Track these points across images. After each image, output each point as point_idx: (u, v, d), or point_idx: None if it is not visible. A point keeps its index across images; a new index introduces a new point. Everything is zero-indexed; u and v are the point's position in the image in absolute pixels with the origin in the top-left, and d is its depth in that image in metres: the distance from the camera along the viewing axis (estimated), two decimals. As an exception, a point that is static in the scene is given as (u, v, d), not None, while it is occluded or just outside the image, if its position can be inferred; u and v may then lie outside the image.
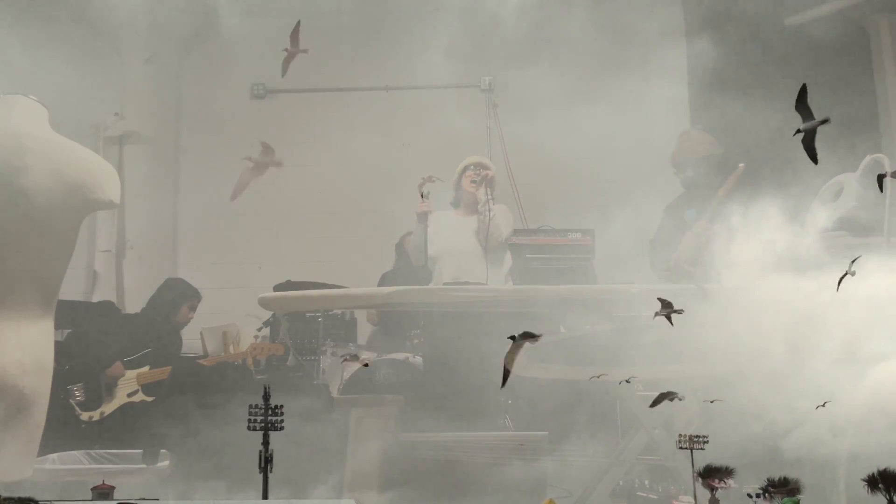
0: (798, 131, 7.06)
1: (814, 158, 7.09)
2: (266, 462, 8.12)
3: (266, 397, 8.41)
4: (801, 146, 8.34)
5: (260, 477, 8.08)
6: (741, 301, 9.45)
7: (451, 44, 12.74)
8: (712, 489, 8.15)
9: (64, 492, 9.88)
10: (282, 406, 8.41)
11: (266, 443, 8.20)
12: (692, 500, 9.76)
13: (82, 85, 12.51)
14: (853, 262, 7.83)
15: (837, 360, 8.98)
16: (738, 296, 9.50)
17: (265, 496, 8.11)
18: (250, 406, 8.40)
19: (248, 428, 8.32)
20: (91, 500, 8.62)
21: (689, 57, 12.83)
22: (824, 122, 7.08)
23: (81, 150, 10.13)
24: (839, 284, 7.91)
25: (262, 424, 8.28)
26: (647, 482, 10.50)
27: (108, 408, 11.26)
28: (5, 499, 6.23)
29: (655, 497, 10.24)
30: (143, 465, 10.75)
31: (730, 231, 9.69)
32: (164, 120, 14.44)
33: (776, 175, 10.55)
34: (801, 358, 9.01)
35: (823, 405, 8.50)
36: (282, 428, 8.33)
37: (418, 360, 11.57)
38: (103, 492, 8.79)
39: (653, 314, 8.40)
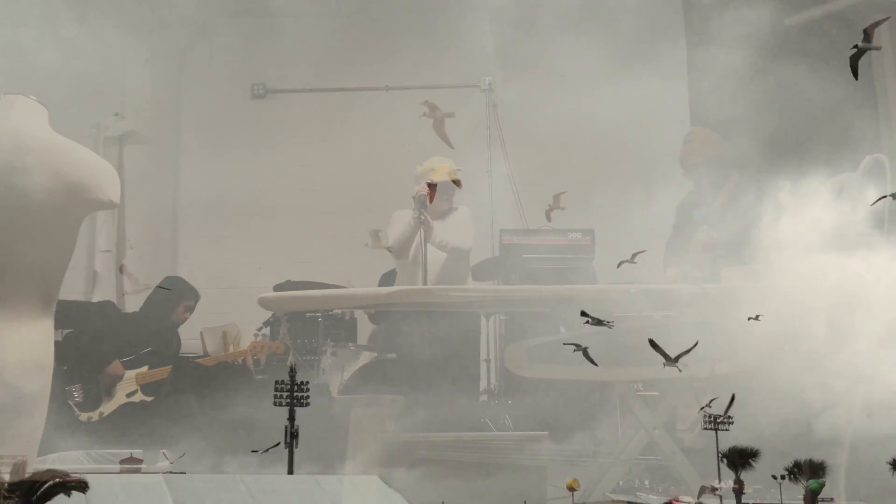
0: (855, 46, 7.48)
1: (855, 75, 7.48)
2: (292, 437, 8.19)
3: (292, 374, 8.48)
4: (853, 123, 8.42)
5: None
6: (784, 282, 9.41)
7: (452, 44, 12.74)
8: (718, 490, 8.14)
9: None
10: (307, 382, 8.51)
11: (291, 418, 8.27)
12: (692, 500, 9.76)
13: (82, 85, 12.50)
14: None
15: (878, 340, 8.98)
16: (783, 276, 9.45)
17: (291, 471, 8.16)
18: (277, 382, 8.49)
19: (275, 404, 8.40)
20: (119, 473, 8.67)
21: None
22: (877, 48, 7.62)
23: (81, 150, 10.12)
24: None
25: (288, 400, 8.36)
26: (647, 482, 10.50)
27: (108, 408, 11.26)
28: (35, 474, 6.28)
29: (655, 497, 10.23)
30: (143, 465, 10.73)
31: (778, 208, 9.58)
32: (164, 120, 14.45)
33: (827, 151, 10.42)
34: (841, 338, 8.98)
35: (756, 318, 8.51)
36: (307, 404, 8.39)
37: (417, 360, 11.55)
38: (131, 466, 8.85)
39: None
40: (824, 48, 12.03)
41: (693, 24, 12.84)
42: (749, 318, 8.50)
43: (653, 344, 8.08)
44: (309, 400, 8.37)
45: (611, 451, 10.64)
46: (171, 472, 8.50)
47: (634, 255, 8.61)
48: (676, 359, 8.10)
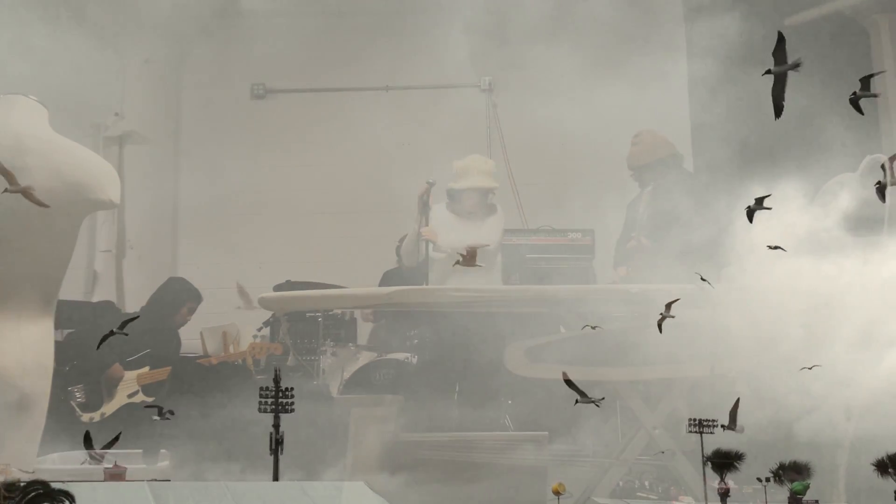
0: (768, 72, 7.04)
1: (779, 110, 7.10)
2: (277, 444, 8.14)
3: (276, 380, 8.43)
4: (825, 127, 8.39)
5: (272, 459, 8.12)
6: (759, 285, 9.39)
7: (450, 43, 12.75)
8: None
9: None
10: (292, 388, 8.35)
11: (277, 425, 8.22)
12: (692, 501, 9.77)
13: (82, 85, 12.50)
14: None
15: (854, 343, 8.93)
16: (757, 280, 9.41)
17: (276, 478, 8.14)
18: (261, 388, 8.36)
19: (259, 410, 8.30)
20: (103, 481, 8.62)
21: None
22: (796, 65, 7.05)
23: (81, 150, 10.11)
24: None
25: (273, 406, 8.33)
26: (647, 482, 10.50)
27: (109, 409, 11.28)
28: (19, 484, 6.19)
29: (655, 497, 10.23)
30: (144, 466, 10.74)
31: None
32: (164, 120, 14.47)
33: (798, 156, 10.44)
34: (818, 341, 8.94)
35: (811, 368, 8.54)
36: (292, 410, 8.27)
37: (417, 360, 11.57)
38: (115, 473, 8.80)
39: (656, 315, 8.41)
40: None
41: (690, 33, 12.84)
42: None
43: (568, 382, 8.10)
44: (294, 406, 8.29)
45: (611, 451, 10.64)
46: (155, 480, 8.45)
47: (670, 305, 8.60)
48: (589, 400, 8.13)
